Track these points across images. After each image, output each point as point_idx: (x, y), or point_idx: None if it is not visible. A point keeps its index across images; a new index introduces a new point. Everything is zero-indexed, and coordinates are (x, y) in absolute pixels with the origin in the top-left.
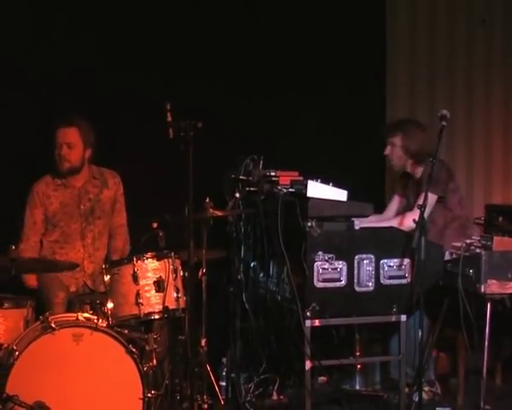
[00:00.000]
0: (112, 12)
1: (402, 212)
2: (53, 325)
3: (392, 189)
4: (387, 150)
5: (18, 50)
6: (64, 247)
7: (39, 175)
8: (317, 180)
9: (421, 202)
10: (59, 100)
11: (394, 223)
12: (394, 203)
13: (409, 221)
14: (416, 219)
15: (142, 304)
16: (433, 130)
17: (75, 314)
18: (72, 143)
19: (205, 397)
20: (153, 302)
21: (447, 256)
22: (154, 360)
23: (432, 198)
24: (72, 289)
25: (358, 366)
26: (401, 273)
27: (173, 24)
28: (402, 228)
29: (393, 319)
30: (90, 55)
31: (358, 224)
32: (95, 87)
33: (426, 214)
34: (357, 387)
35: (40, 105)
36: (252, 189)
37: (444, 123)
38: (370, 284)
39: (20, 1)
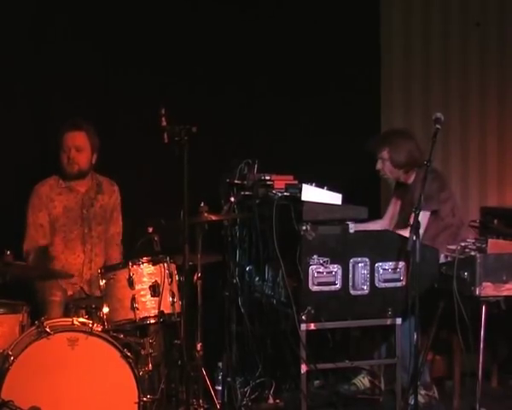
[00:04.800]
0: (108, 16)
1: (396, 216)
2: (48, 330)
3: (388, 193)
4: (379, 165)
5: (17, 54)
6: (64, 251)
7: (38, 176)
8: (311, 184)
9: (411, 221)
10: (55, 102)
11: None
12: (391, 208)
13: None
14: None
15: (138, 309)
16: (428, 133)
17: (70, 319)
18: (81, 147)
19: (201, 401)
20: (148, 307)
21: (442, 259)
22: (150, 365)
23: (425, 216)
24: (69, 292)
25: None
26: (396, 276)
27: (168, 29)
28: None
29: (388, 322)
30: (86, 59)
31: (353, 227)
32: (90, 92)
33: (421, 230)
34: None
35: (37, 107)
36: (247, 193)
37: (438, 126)
38: (365, 287)
39: (19, 5)
